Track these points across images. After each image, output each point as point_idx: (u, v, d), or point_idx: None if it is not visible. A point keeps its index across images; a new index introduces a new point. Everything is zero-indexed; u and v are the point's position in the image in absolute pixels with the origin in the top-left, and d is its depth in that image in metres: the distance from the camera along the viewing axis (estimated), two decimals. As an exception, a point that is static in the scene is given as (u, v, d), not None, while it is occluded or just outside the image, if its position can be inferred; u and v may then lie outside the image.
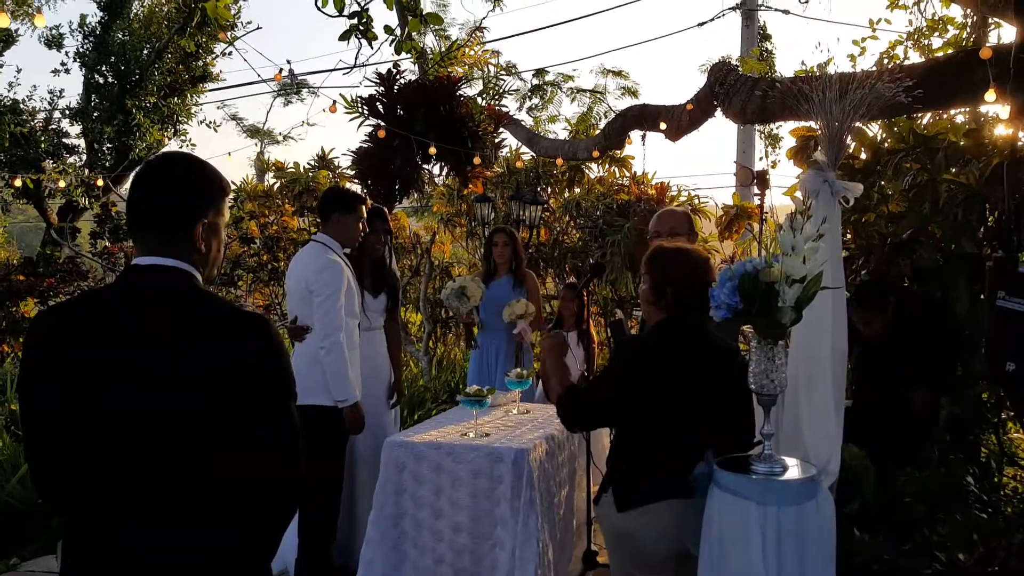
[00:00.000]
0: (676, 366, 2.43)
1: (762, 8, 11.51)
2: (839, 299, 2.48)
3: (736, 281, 2.19)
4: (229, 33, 9.21)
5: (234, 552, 1.50)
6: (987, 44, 4.52)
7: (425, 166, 6.91)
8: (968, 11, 5.76)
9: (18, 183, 8.40)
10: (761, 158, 11.60)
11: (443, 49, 8.27)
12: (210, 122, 11.35)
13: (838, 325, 2.47)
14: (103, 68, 9.30)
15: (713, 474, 2.27)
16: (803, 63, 11.47)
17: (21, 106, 9.21)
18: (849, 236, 4.34)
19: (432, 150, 6.33)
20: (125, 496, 1.44)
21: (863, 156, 4.43)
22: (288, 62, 5.84)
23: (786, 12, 10.90)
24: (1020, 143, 3.80)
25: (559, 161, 7.79)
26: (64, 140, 9.49)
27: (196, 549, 1.46)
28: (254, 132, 18.95)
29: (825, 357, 2.42)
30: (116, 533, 1.45)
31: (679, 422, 2.42)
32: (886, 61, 6.38)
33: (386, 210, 4.40)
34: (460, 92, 6.88)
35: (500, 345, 5.04)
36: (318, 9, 4.14)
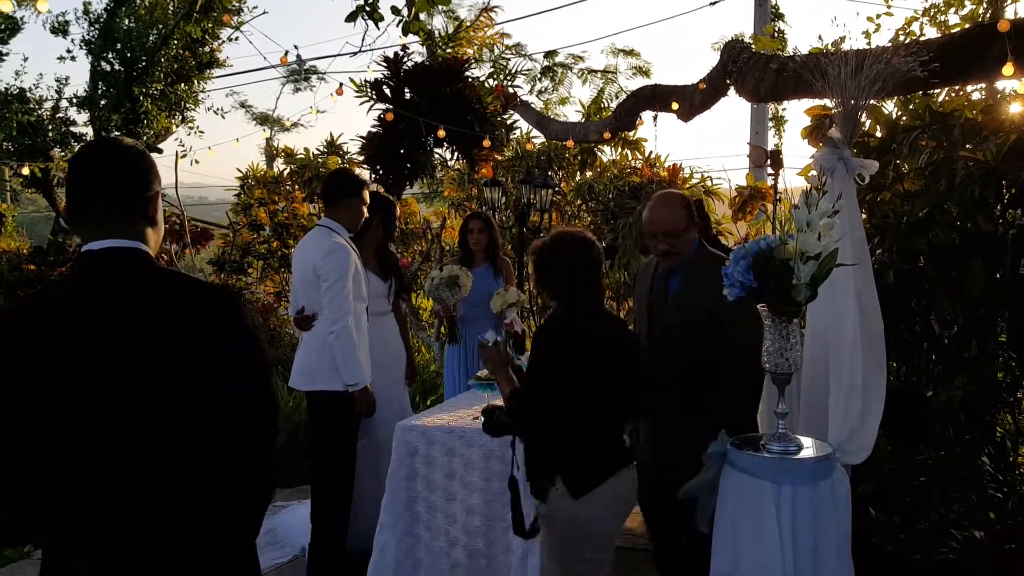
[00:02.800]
0: (593, 343, 2.52)
1: (774, -15, 11.36)
2: (865, 276, 2.42)
3: (750, 259, 2.16)
4: (235, 17, 9.16)
5: (215, 529, 1.49)
6: (1004, 18, 4.43)
7: (437, 150, 6.87)
8: (984, -15, 5.66)
9: (26, 171, 8.40)
10: (774, 136, 11.47)
11: (451, 30, 8.20)
12: (217, 109, 11.28)
13: (868, 303, 2.41)
14: (109, 55, 9.23)
15: (727, 453, 2.25)
16: (820, 38, 11.29)
17: (28, 94, 9.18)
18: (864, 215, 4.28)
19: (441, 132, 6.29)
20: (103, 473, 1.42)
21: (878, 134, 4.35)
22: (295, 47, 5.81)
23: (798, -11, 10.75)
24: (1038, 117, 3.73)
25: (570, 144, 7.74)
26: (71, 128, 9.44)
27: (175, 529, 1.45)
28: (263, 119, 18.95)
29: (847, 334, 2.36)
30: (95, 512, 1.43)
31: (610, 396, 2.51)
32: (902, 37, 6.27)
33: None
34: (468, 73, 6.81)
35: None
36: (323, -10, 4.10)
